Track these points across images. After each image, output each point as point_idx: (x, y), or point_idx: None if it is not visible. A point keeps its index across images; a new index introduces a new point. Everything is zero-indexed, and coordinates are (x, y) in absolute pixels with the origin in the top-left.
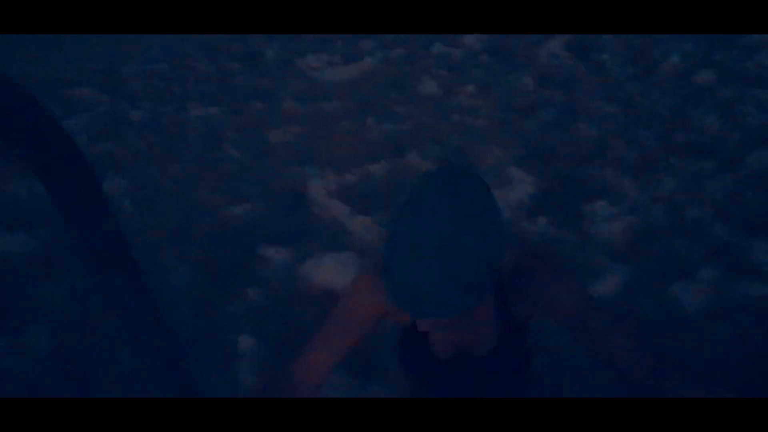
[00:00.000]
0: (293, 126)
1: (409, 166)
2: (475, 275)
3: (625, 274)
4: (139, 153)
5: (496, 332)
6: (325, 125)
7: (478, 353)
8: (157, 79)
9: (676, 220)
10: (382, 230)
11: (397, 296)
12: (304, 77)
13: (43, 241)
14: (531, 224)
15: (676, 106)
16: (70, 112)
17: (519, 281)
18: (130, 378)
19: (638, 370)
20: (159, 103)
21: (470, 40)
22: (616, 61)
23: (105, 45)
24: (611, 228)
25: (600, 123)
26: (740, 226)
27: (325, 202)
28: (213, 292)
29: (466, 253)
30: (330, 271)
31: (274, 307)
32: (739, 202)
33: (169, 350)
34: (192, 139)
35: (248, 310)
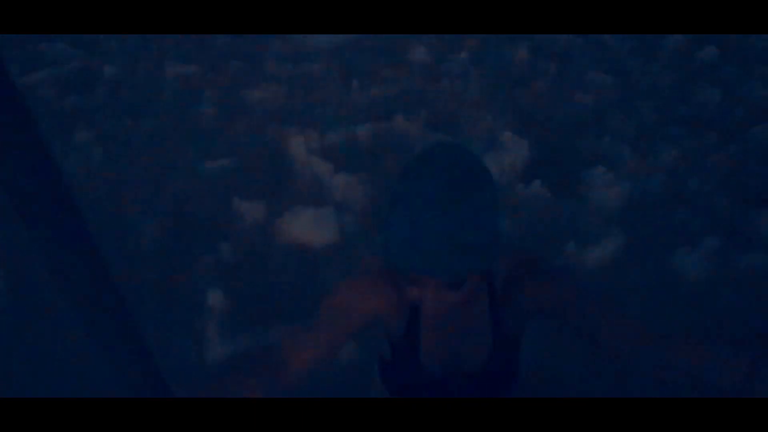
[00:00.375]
0: (274, 86)
1: (397, 130)
2: (472, 239)
3: (623, 240)
4: (110, 107)
5: (488, 334)
6: (308, 87)
7: (467, 364)
8: (134, 37)
9: (677, 190)
10: (366, 188)
11: (395, 252)
12: (288, 39)
13: None
14: (526, 188)
15: (677, 81)
16: (40, 65)
17: (510, 291)
18: (84, 341)
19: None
20: (135, 60)
21: None
22: (615, 35)
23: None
24: (609, 194)
25: (597, 93)
26: (742, 199)
27: (305, 159)
28: (182, 247)
29: (464, 218)
30: (307, 226)
31: (246, 262)
32: (742, 174)
33: (128, 312)
34: (167, 96)
35: (219, 265)
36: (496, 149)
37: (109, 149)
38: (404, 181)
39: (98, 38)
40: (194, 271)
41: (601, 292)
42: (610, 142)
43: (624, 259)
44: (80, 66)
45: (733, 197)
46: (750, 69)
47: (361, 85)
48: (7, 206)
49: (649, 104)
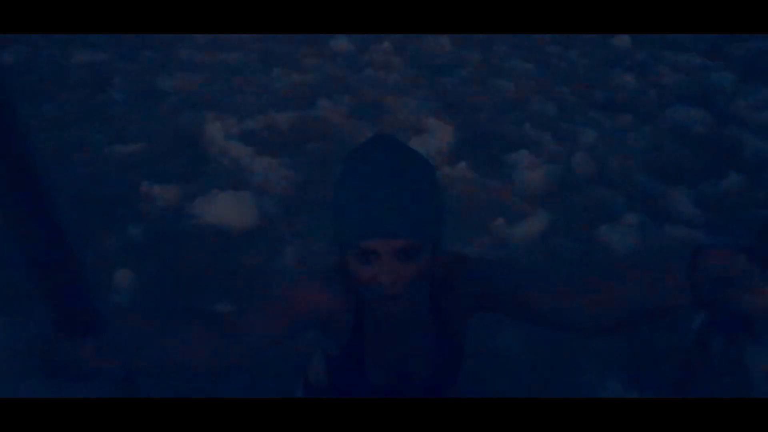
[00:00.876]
0: (189, 74)
1: (320, 116)
2: (421, 207)
3: (549, 219)
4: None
5: (428, 327)
6: (225, 75)
7: (416, 373)
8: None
9: (597, 169)
10: (288, 172)
11: (349, 223)
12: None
13: None
14: (452, 169)
15: (594, 66)
16: None
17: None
18: None
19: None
20: (39, 47)
21: None
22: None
23: None
24: (533, 175)
25: (517, 80)
26: (660, 176)
27: (223, 144)
28: (89, 229)
29: (412, 191)
30: (224, 209)
31: (157, 244)
32: (658, 153)
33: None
34: (72, 81)
35: (128, 247)
36: (421, 134)
37: None
38: (350, 161)
39: None
40: (101, 252)
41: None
42: (532, 127)
43: (550, 234)
44: None
45: (650, 175)
46: (660, 55)
47: (282, 71)
48: None
49: (568, 89)
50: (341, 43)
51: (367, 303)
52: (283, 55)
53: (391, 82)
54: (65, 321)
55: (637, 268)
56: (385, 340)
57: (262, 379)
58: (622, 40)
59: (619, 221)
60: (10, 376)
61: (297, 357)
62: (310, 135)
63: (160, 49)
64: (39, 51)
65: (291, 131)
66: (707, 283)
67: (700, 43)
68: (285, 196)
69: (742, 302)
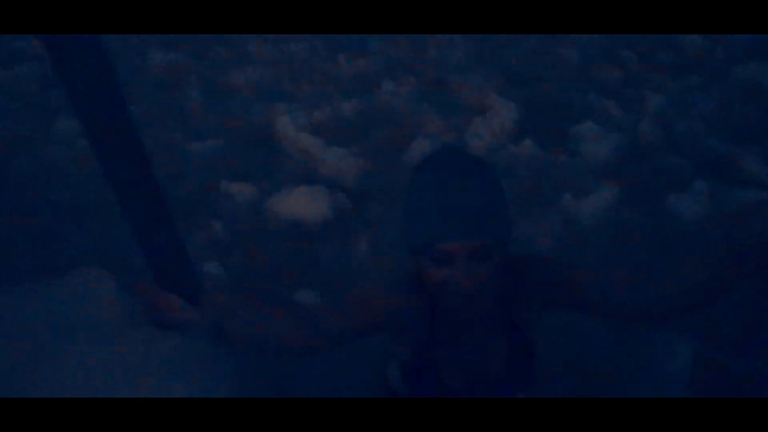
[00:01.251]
0: (259, 68)
1: (386, 100)
2: (491, 209)
3: (619, 191)
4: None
5: (502, 326)
6: (293, 65)
7: (490, 374)
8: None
9: (665, 135)
10: (358, 161)
11: (424, 224)
12: None
13: None
14: (517, 147)
15: None
16: (18, 60)
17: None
18: None
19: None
20: (117, 50)
21: None
22: None
23: None
24: (600, 147)
25: (581, 48)
26: (730, 138)
27: (293, 135)
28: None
29: (481, 193)
30: (300, 204)
31: (240, 240)
32: (728, 114)
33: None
34: (150, 82)
35: (213, 242)
36: (485, 112)
37: (92, 137)
38: (420, 171)
39: None
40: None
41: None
42: (596, 96)
43: (619, 207)
44: None
45: (720, 138)
46: None
47: (347, 59)
48: None
49: (632, 53)
50: None
51: (441, 306)
52: (345, 40)
53: (454, 60)
54: (164, 279)
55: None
56: (458, 341)
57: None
58: None
59: (689, 189)
60: (117, 323)
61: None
62: (376, 121)
63: (230, 44)
64: (116, 53)
65: (357, 118)
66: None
67: None
68: (356, 186)
69: None
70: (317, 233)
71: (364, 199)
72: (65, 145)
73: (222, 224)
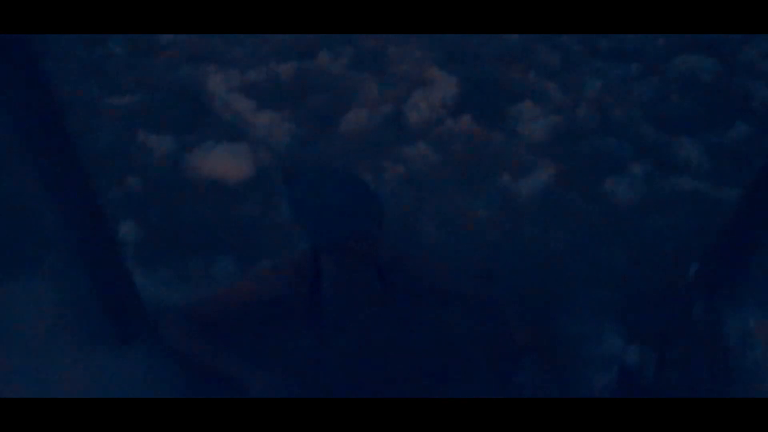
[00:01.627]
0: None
1: (321, 67)
2: (369, 207)
3: (554, 171)
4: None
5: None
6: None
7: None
8: None
9: (603, 120)
10: (291, 126)
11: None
12: None
13: None
14: (455, 123)
15: None
16: None
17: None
18: None
19: None
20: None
21: None
22: None
23: None
24: (538, 127)
25: None
26: (666, 126)
27: (225, 96)
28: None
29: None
30: (221, 160)
31: (157, 197)
32: (664, 103)
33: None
34: (72, 37)
35: (129, 199)
36: (425, 86)
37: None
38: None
39: None
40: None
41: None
42: (536, 77)
43: (557, 187)
44: None
45: (656, 125)
46: None
47: None
48: None
49: (573, 38)
50: None
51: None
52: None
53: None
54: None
55: None
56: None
57: None
58: None
59: (625, 172)
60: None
61: None
62: (311, 87)
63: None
64: None
65: (292, 83)
66: None
67: None
68: (284, 151)
69: None
70: (238, 193)
71: (292, 163)
72: None
73: (139, 180)
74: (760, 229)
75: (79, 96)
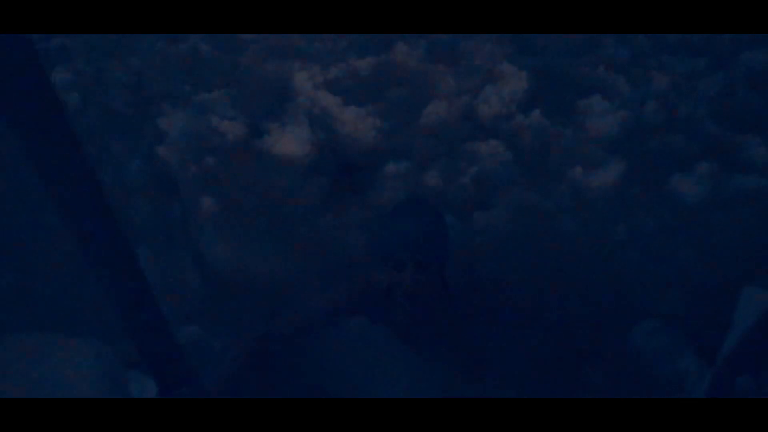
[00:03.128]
0: None
1: (398, 61)
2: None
3: (623, 166)
4: (91, 44)
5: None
6: None
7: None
8: None
9: (670, 116)
10: (375, 120)
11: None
12: None
13: None
14: (525, 118)
15: None
16: None
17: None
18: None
19: None
20: None
21: None
22: None
23: None
24: (607, 122)
25: None
26: (733, 124)
27: (310, 92)
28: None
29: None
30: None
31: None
32: (732, 100)
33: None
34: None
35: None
36: (495, 81)
37: (87, 91)
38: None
39: None
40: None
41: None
42: (605, 71)
43: (625, 183)
44: None
45: (722, 123)
46: None
47: None
48: None
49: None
50: None
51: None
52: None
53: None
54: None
55: None
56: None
57: None
58: None
59: (692, 170)
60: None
61: None
62: (391, 81)
63: None
64: None
65: (372, 77)
66: None
67: None
68: (373, 146)
69: None
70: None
71: (382, 158)
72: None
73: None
74: None
75: (163, 90)
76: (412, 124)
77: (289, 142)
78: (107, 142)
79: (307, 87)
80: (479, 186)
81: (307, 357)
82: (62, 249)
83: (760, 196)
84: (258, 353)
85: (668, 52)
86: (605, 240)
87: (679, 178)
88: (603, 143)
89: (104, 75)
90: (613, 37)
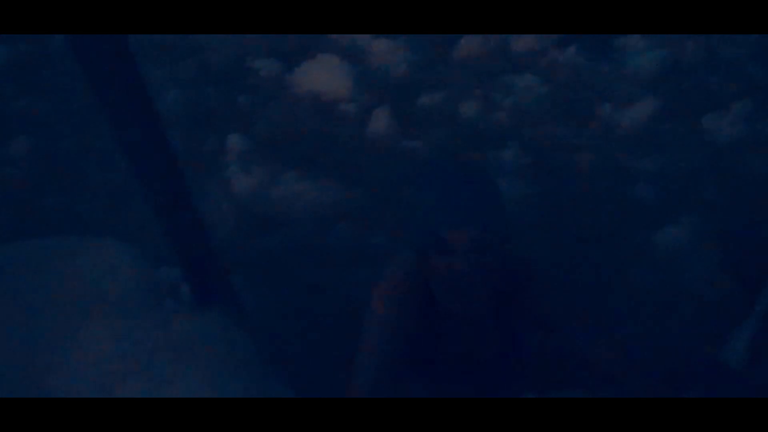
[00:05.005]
0: None
1: None
2: (488, 206)
3: (657, 104)
4: None
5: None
6: None
7: (484, 351)
8: None
9: (709, 56)
10: (407, 53)
11: (428, 215)
12: None
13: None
14: (560, 54)
15: None
16: None
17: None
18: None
19: None
20: None
21: None
22: None
23: None
24: (643, 59)
25: None
26: None
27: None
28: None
29: (478, 193)
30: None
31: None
32: None
33: (160, 161)
34: None
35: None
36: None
37: None
38: (425, 173)
39: None
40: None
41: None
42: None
43: (657, 121)
44: None
45: (762, 65)
46: None
47: None
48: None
49: None
50: None
51: (440, 301)
52: None
53: None
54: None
55: None
56: (455, 339)
57: None
58: None
59: (727, 110)
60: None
61: None
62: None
63: None
64: None
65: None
66: None
67: None
68: (405, 77)
69: None
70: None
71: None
72: None
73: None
74: None
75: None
76: (445, 57)
77: (323, 76)
78: (147, 69)
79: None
80: (513, 119)
81: None
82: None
83: None
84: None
85: None
86: (627, 175)
87: (712, 118)
88: (638, 81)
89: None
90: None
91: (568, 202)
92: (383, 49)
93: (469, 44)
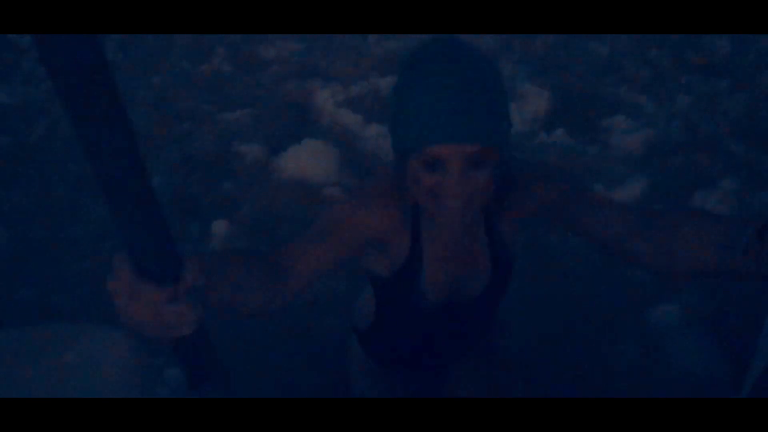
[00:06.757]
0: (289, 43)
1: None
2: (492, 111)
3: (647, 183)
4: (115, 64)
5: (489, 248)
6: (322, 41)
7: (471, 288)
8: None
9: (693, 135)
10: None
11: (416, 123)
12: None
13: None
14: (548, 136)
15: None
16: None
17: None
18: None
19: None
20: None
21: None
22: None
23: None
24: (630, 140)
25: (610, 43)
26: (755, 143)
27: (332, 110)
28: (189, 191)
29: (482, 92)
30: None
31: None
32: (754, 119)
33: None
34: (177, 52)
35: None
36: (517, 100)
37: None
38: (414, 64)
39: None
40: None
41: None
42: (627, 90)
43: (648, 200)
44: None
45: (744, 141)
46: None
47: (376, 38)
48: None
49: (662, 53)
50: None
51: (425, 217)
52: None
53: (483, 45)
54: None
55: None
56: (440, 254)
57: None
58: None
59: (715, 187)
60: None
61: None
62: None
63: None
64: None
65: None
66: None
67: None
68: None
69: None
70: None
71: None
72: None
73: (232, 184)
74: None
75: (187, 106)
76: None
77: (308, 160)
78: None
79: (328, 105)
80: None
81: None
82: (85, 259)
83: None
84: None
85: (689, 72)
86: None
87: (702, 195)
88: (626, 161)
89: (127, 93)
90: (634, 57)
91: (562, 280)
92: (373, 134)
93: None
